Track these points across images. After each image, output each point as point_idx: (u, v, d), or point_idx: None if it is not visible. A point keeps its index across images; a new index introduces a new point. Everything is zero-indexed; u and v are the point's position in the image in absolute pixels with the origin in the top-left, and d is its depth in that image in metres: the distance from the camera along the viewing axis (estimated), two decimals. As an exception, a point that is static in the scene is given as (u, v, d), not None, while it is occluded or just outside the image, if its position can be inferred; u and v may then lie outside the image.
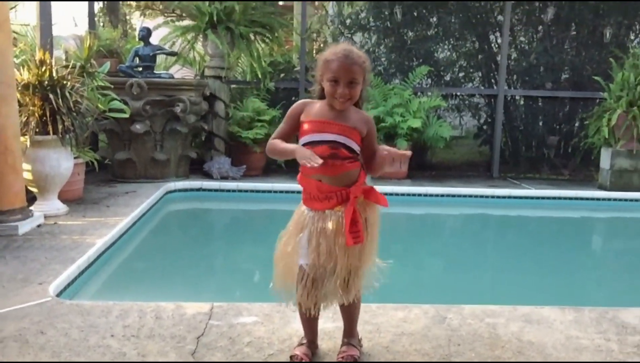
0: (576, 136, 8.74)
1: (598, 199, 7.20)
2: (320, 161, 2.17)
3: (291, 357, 2.49)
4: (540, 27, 9.01)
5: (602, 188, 7.51)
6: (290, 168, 7.97)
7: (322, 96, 2.39)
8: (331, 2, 9.52)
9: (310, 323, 2.55)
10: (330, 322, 2.81)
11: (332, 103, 2.32)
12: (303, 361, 2.46)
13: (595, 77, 8.00)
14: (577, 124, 8.93)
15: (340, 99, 2.28)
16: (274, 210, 6.78)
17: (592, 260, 5.56)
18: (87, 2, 8.25)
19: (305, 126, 2.35)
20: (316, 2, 10.02)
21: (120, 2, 9.59)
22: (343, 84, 2.26)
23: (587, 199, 7.18)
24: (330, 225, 2.32)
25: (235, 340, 2.69)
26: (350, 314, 2.53)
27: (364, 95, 2.42)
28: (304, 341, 2.57)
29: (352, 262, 2.34)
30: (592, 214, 7.17)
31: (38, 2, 5.86)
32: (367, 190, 2.36)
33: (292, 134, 2.43)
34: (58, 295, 3.31)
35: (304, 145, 2.31)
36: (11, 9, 5.33)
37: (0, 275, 3.51)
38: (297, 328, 2.82)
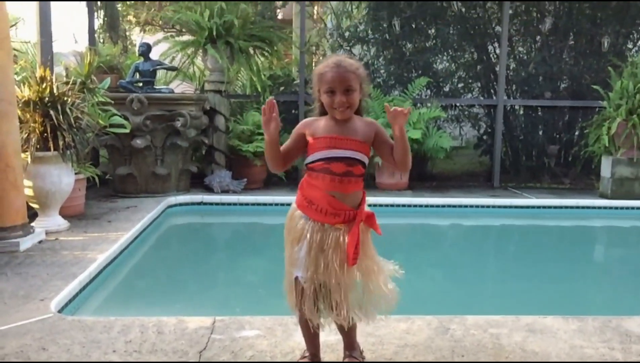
0: (576, 144, 8.74)
1: (599, 207, 7.19)
2: (275, 107, 2.27)
3: None
4: (538, 37, 9.05)
5: (603, 196, 7.50)
6: (291, 180, 7.98)
7: (322, 112, 2.40)
8: (330, 16, 9.56)
9: (311, 337, 2.54)
10: (332, 335, 2.80)
11: (333, 114, 2.32)
12: None
13: (594, 86, 8.01)
14: (577, 133, 8.94)
15: (339, 108, 2.28)
16: (275, 223, 6.77)
17: (595, 268, 5.54)
18: (87, 19, 8.29)
19: (317, 143, 2.34)
20: (315, 16, 10.07)
21: (120, 18, 9.65)
22: (339, 93, 2.26)
23: (588, 207, 7.17)
24: (330, 241, 2.30)
25: (237, 354, 2.68)
26: (346, 330, 2.49)
27: (363, 105, 2.43)
28: (306, 354, 2.56)
29: (349, 281, 2.33)
30: (594, 223, 7.15)
31: (38, 19, 5.89)
32: (369, 215, 2.37)
33: (293, 151, 2.42)
34: (60, 311, 3.30)
35: (317, 161, 2.32)
36: (11, 26, 5.36)
37: (2, 292, 3.50)
38: (299, 341, 2.80)
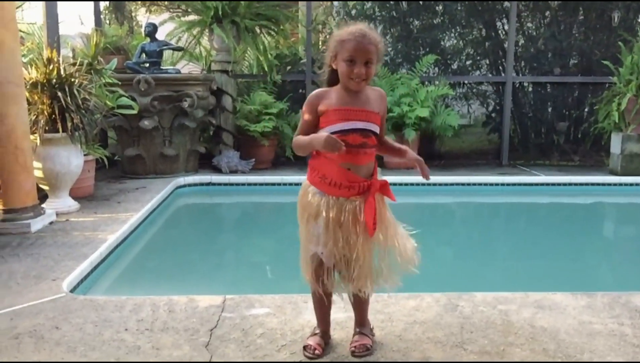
0: (586, 121, 8.68)
1: (609, 184, 7.16)
2: (343, 146, 2.18)
3: (304, 347, 2.50)
4: (547, 13, 8.95)
5: (613, 173, 7.46)
6: (299, 160, 7.97)
7: (331, 80, 2.37)
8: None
9: (323, 314, 2.56)
10: (341, 312, 2.82)
11: (347, 84, 2.29)
12: (316, 351, 2.47)
13: (604, 62, 7.93)
14: (586, 110, 8.87)
15: (356, 79, 2.25)
16: (283, 203, 6.79)
17: (604, 245, 5.53)
18: (92, 1, 8.26)
19: (331, 115, 2.30)
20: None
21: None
22: (360, 64, 2.23)
23: (598, 184, 7.14)
24: (346, 214, 2.31)
25: (248, 332, 2.70)
26: (361, 304, 2.54)
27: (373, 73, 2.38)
28: (317, 331, 2.58)
29: (367, 252, 2.34)
30: (603, 200, 7.13)
31: (44, 1, 5.88)
32: (382, 184, 2.36)
33: (312, 128, 2.36)
34: (72, 291, 3.34)
35: (333, 133, 2.25)
36: (17, 8, 5.35)
37: (14, 272, 3.54)
38: (309, 319, 2.83)
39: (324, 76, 2.41)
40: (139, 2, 9.32)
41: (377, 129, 2.34)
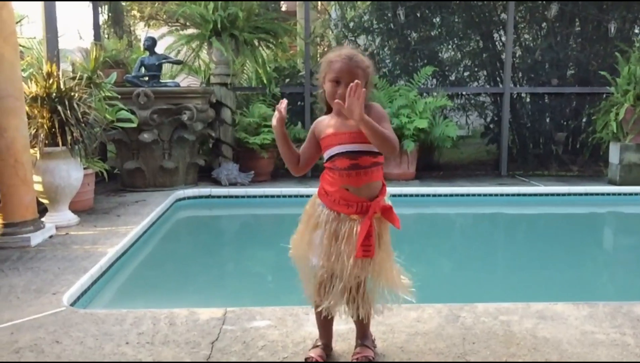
0: (584, 131, 8.70)
1: (608, 194, 7.17)
2: (284, 104, 2.33)
3: (306, 359, 2.50)
4: (544, 24, 9.00)
5: (611, 182, 7.47)
6: (298, 172, 7.97)
7: (326, 101, 2.39)
8: (334, 6, 9.54)
9: (325, 326, 2.56)
10: (343, 324, 2.81)
11: (331, 104, 2.31)
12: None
13: (602, 72, 7.97)
14: (584, 120, 8.89)
15: (340, 100, 2.22)
16: (283, 215, 6.78)
17: (604, 255, 5.53)
18: (91, 14, 8.30)
19: (323, 143, 2.39)
20: (319, 7, 10.04)
21: (125, 13, 9.65)
22: (344, 85, 2.22)
23: (596, 194, 7.15)
24: (342, 231, 2.32)
25: (249, 344, 2.70)
26: (361, 321, 2.50)
27: (368, 96, 2.37)
28: (319, 343, 2.57)
29: (360, 274, 2.32)
30: (602, 210, 7.13)
31: (44, 15, 5.91)
32: (386, 208, 2.35)
33: (309, 152, 2.45)
34: (72, 305, 3.32)
35: (326, 161, 2.37)
36: (17, 22, 5.37)
37: (15, 286, 3.53)
38: (310, 331, 2.82)
39: (319, 98, 2.45)
40: (138, 16, 9.38)
41: (367, 147, 2.30)
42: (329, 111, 2.42)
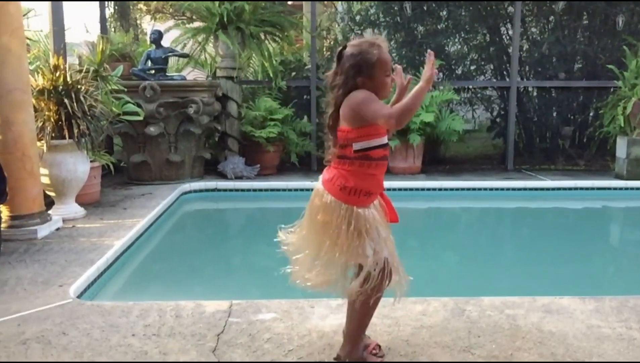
0: (591, 125, 8.66)
1: (615, 188, 7.14)
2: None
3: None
4: (551, 17, 8.94)
5: (618, 177, 7.44)
6: (304, 166, 7.99)
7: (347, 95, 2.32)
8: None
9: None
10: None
11: (386, 95, 2.38)
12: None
13: (609, 66, 7.92)
14: (591, 114, 8.84)
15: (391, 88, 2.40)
16: (288, 208, 6.79)
17: (611, 249, 5.52)
18: (98, 8, 8.30)
19: (375, 128, 2.30)
20: (325, 0, 10.01)
21: (131, 7, 9.65)
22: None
23: (603, 189, 7.12)
24: (381, 214, 2.39)
25: (254, 337, 2.71)
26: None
27: (370, 86, 2.35)
28: (370, 341, 2.59)
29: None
30: (609, 204, 7.11)
31: (50, 8, 5.91)
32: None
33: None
34: (79, 297, 3.34)
35: (379, 147, 2.31)
36: (24, 15, 5.38)
37: (22, 278, 3.55)
38: (315, 323, 2.83)
39: (345, 89, 2.39)
40: (144, 9, 9.38)
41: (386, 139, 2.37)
42: None
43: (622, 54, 7.89)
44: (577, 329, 2.80)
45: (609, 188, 7.13)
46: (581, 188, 7.09)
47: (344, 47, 2.33)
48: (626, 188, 7.10)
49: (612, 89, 8.20)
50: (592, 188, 7.11)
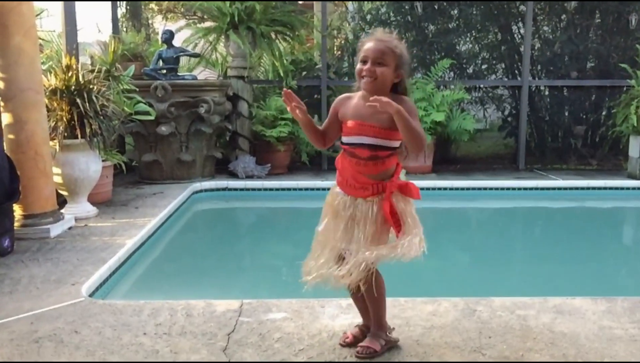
0: (603, 125, 8.59)
1: (627, 188, 7.08)
2: (294, 97, 2.35)
3: (343, 333, 2.65)
4: (563, 16, 8.89)
5: (631, 176, 7.38)
6: (315, 165, 7.99)
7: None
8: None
9: (358, 305, 2.65)
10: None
11: (360, 84, 2.37)
12: (347, 340, 2.60)
13: (622, 65, 7.86)
14: (604, 113, 8.77)
15: (366, 77, 2.31)
16: (299, 208, 6.81)
17: (623, 249, 5.48)
18: (110, 8, 8.35)
19: (345, 126, 2.43)
20: (336, 1, 10.01)
21: (143, 7, 9.70)
22: (370, 63, 2.30)
23: (616, 188, 7.07)
24: (360, 214, 2.38)
25: (265, 336, 2.71)
26: (370, 304, 2.53)
27: (405, 86, 2.42)
28: (360, 324, 2.67)
29: (378, 252, 2.36)
30: (622, 204, 7.05)
31: (63, 9, 5.95)
32: (402, 185, 2.41)
33: (332, 128, 2.49)
34: (91, 295, 3.37)
35: (345, 144, 2.41)
36: (37, 15, 5.43)
37: (34, 277, 3.58)
38: (326, 323, 2.83)
39: (356, 87, 2.47)
40: (156, 9, 9.42)
41: (389, 143, 2.37)
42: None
43: (635, 53, 7.82)
44: (589, 330, 2.78)
45: (622, 188, 7.07)
46: (593, 188, 7.04)
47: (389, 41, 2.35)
48: (639, 188, 7.04)
49: (625, 88, 8.12)
50: (605, 188, 7.06)
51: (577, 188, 7.05)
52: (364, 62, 2.33)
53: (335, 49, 9.19)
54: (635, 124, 7.26)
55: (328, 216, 2.49)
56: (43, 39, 6.18)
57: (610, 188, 7.06)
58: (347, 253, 2.39)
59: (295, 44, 8.40)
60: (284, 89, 2.43)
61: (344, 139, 2.42)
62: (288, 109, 2.39)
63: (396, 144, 2.39)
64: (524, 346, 2.61)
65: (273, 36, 7.90)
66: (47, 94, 5.02)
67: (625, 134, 7.67)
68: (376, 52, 2.30)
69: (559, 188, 7.08)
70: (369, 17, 9.13)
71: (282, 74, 7.89)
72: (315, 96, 8.45)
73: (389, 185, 2.37)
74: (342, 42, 9.34)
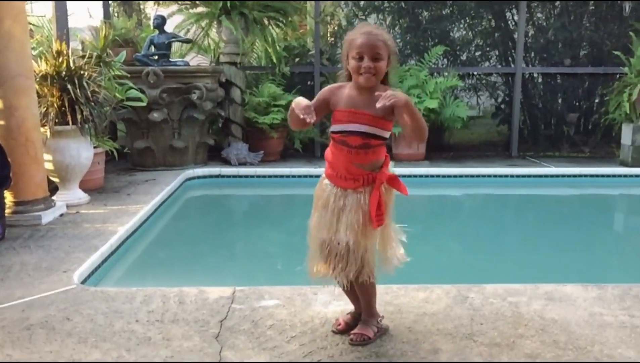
0: (596, 112, 8.62)
1: (620, 176, 7.11)
2: (313, 118, 2.28)
3: (335, 320, 2.67)
4: (557, 3, 8.86)
5: (623, 164, 7.41)
6: (308, 152, 7.98)
7: (350, 79, 2.45)
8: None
9: (349, 295, 2.66)
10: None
11: (358, 80, 2.37)
12: (339, 327, 2.60)
13: (615, 52, 7.86)
14: (597, 100, 8.80)
15: (365, 73, 2.33)
16: (292, 195, 6.80)
17: (614, 237, 5.51)
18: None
19: (337, 115, 2.43)
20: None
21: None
22: (367, 58, 2.31)
23: (608, 176, 7.10)
24: (350, 203, 2.40)
25: (257, 323, 2.71)
26: (362, 293, 2.56)
27: (391, 77, 2.46)
28: (352, 311, 2.68)
29: (369, 242, 2.41)
30: (614, 192, 7.09)
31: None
32: (391, 177, 2.44)
33: (319, 115, 2.46)
34: (83, 282, 3.36)
35: (337, 133, 2.41)
36: (27, 0, 5.36)
37: (26, 264, 3.57)
38: (318, 310, 2.84)
39: (343, 80, 2.50)
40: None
41: (380, 132, 2.39)
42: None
43: (628, 40, 7.82)
44: (580, 317, 2.80)
45: (614, 175, 7.10)
46: (586, 175, 7.07)
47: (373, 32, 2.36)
48: (631, 176, 7.07)
49: (618, 76, 8.15)
50: (597, 175, 7.09)
51: (569, 176, 7.08)
52: (360, 58, 2.32)
53: (328, 35, 9.15)
54: (628, 112, 7.28)
55: (318, 209, 2.49)
56: (33, 24, 6.13)
57: (603, 176, 7.09)
58: (335, 243, 2.40)
59: (288, 30, 8.36)
60: (308, 106, 2.31)
61: (335, 127, 2.42)
62: (300, 116, 2.28)
63: (387, 134, 2.42)
64: (515, 332, 2.62)
65: (266, 22, 7.84)
66: (38, 80, 4.98)
67: (617, 122, 7.69)
68: (373, 48, 2.31)
69: (552, 176, 7.10)
70: (362, 3, 9.08)
71: (274, 61, 7.85)
72: (309, 82, 8.42)
73: (380, 176, 2.40)
74: (335, 28, 9.29)
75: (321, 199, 2.48)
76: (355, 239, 2.37)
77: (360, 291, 2.55)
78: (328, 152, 2.49)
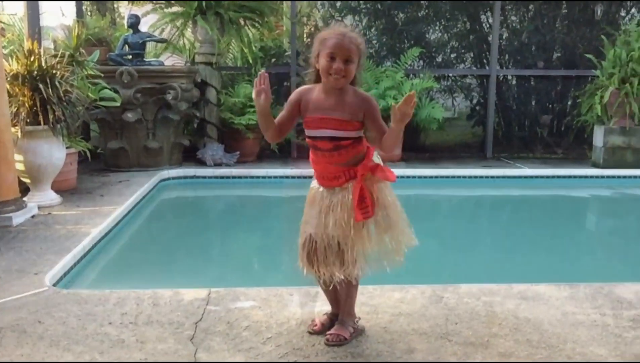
0: (569, 114, 8.74)
1: (591, 177, 7.23)
2: (267, 80, 2.33)
3: (311, 321, 2.65)
4: (531, 6, 8.98)
5: (595, 165, 7.53)
6: (284, 153, 7.96)
7: (317, 80, 2.45)
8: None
9: (328, 295, 2.67)
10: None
11: (327, 81, 2.37)
12: (315, 327, 2.60)
13: (587, 55, 7.99)
14: (569, 103, 8.93)
15: (335, 75, 2.32)
16: (268, 196, 6.77)
17: (587, 237, 5.59)
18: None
19: (306, 121, 2.45)
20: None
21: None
22: (339, 60, 2.31)
23: (580, 177, 7.21)
24: (337, 201, 2.42)
25: (233, 325, 2.70)
26: (345, 293, 2.56)
27: (359, 78, 2.47)
28: (329, 312, 2.68)
29: (357, 238, 2.42)
30: (586, 192, 7.19)
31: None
32: (373, 167, 2.44)
33: (287, 121, 2.50)
34: (54, 285, 3.31)
35: (308, 138, 2.45)
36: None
37: (-4, 267, 3.50)
38: (294, 311, 2.83)
39: (309, 77, 2.50)
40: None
41: (349, 134, 2.39)
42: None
43: (600, 44, 7.95)
44: (552, 315, 2.83)
45: (586, 176, 7.22)
46: (559, 176, 7.17)
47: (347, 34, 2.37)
48: (602, 176, 7.19)
49: (590, 78, 8.27)
50: (569, 176, 7.19)
51: (542, 177, 7.17)
52: (331, 58, 2.32)
53: (304, 36, 9.14)
54: (600, 114, 7.40)
55: (307, 207, 2.54)
56: (4, 23, 6.02)
57: (575, 177, 7.20)
58: (323, 239, 2.41)
59: (264, 31, 8.32)
60: (262, 70, 2.40)
61: (307, 132, 2.46)
62: (254, 90, 2.35)
63: (357, 134, 2.42)
64: (490, 332, 2.65)
65: (242, 22, 7.81)
66: (9, 79, 4.89)
67: (589, 124, 7.81)
68: (345, 51, 2.31)
69: (525, 177, 7.20)
70: (338, 4, 9.10)
71: (250, 61, 7.82)
72: (285, 83, 8.40)
73: (360, 169, 2.41)
74: (312, 29, 9.28)
75: (310, 198, 2.53)
76: (342, 235, 2.39)
77: (345, 291, 2.54)
78: (310, 154, 2.52)
